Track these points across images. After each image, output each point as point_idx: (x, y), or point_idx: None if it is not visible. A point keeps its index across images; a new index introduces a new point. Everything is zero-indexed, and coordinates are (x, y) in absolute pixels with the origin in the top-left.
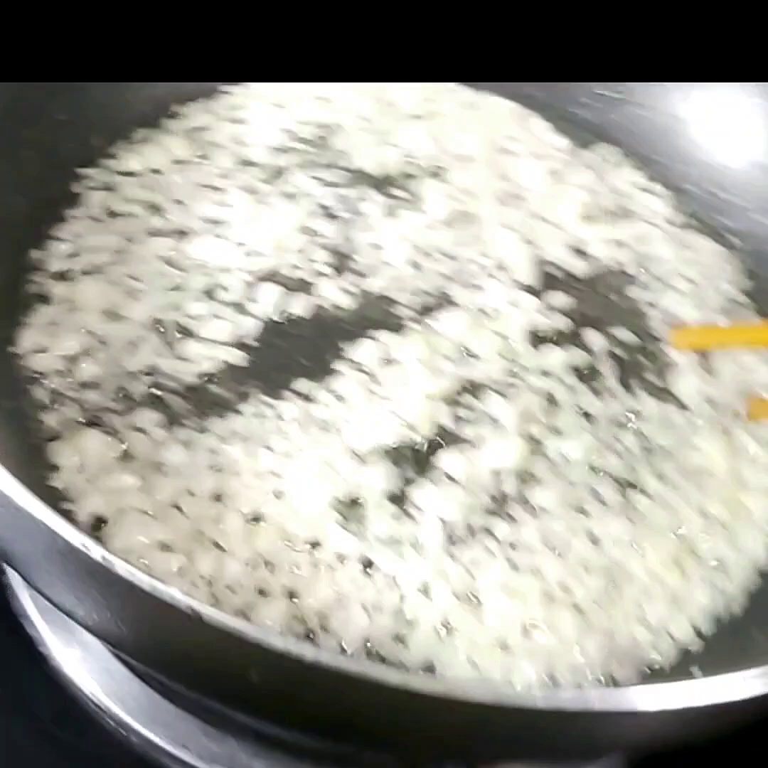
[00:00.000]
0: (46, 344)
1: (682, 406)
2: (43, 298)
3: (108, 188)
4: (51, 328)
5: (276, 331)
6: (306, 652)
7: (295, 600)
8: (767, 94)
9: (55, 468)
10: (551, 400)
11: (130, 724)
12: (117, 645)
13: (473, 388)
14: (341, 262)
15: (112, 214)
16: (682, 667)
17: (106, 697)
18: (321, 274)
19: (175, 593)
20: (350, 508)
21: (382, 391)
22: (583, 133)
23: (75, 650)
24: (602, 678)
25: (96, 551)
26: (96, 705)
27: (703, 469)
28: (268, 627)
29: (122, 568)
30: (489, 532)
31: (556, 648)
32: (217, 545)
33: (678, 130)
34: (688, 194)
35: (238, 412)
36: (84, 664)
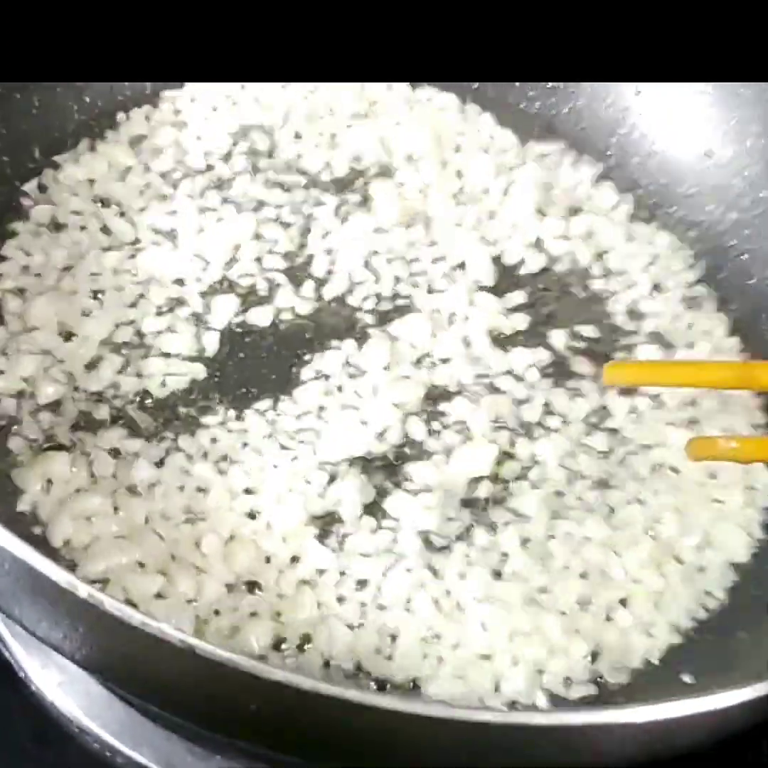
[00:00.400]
0: (2, 367)
1: (650, 401)
2: None
3: (53, 201)
4: (7, 350)
5: (236, 342)
6: (301, 681)
7: (280, 619)
8: (718, 86)
9: (22, 493)
10: (520, 402)
11: (114, 745)
12: (108, 678)
13: (441, 394)
14: (297, 269)
15: (59, 228)
16: (669, 669)
17: (89, 719)
18: (277, 282)
19: (165, 627)
20: (327, 522)
21: (350, 401)
22: (533, 127)
23: (53, 673)
24: (590, 683)
25: (82, 589)
26: (78, 727)
27: (675, 465)
28: (256, 648)
29: (110, 604)
30: (467, 539)
31: (543, 654)
32: (196, 566)
33: (630, 123)
34: (641, 187)
35: (205, 428)
36: (64, 686)
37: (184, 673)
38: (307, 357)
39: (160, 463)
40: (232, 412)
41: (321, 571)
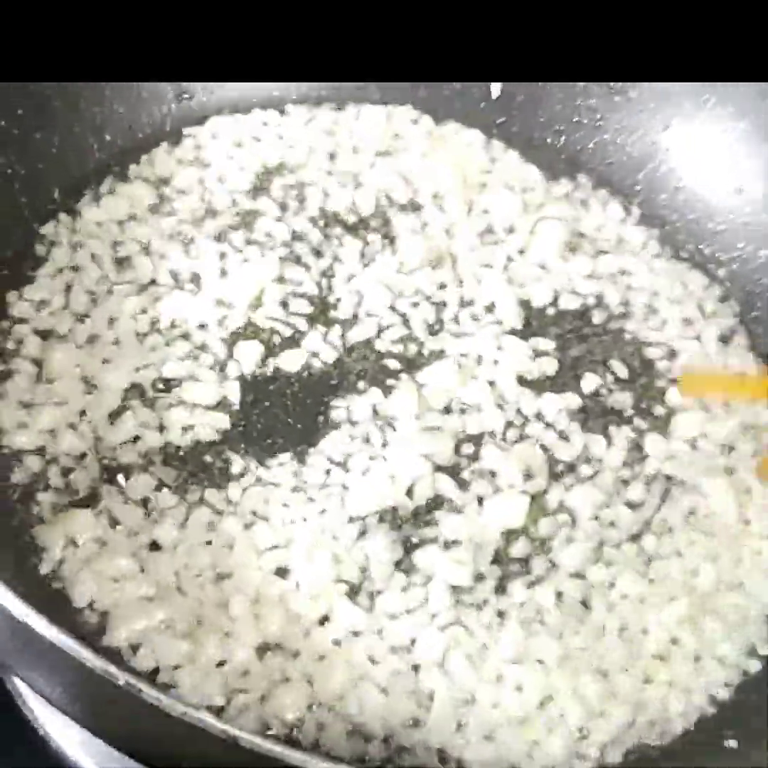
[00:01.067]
0: (25, 420)
1: (687, 446)
2: (15, 369)
3: (72, 244)
4: (28, 402)
5: (261, 390)
6: None
7: (312, 685)
8: (748, 120)
9: (45, 552)
10: (552, 449)
11: None
12: (143, 762)
13: (471, 442)
14: (322, 312)
15: (78, 271)
16: (712, 732)
17: None
18: (302, 327)
19: (206, 718)
20: (356, 579)
21: (378, 451)
22: (559, 163)
23: (74, 732)
24: (630, 747)
25: (120, 676)
26: None
27: (712, 513)
28: (289, 717)
29: (148, 694)
30: (501, 594)
31: (580, 717)
32: (224, 629)
33: (658, 158)
34: (669, 223)
35: (231, 480)
36: (85, 746)
37: (227, 764)
38: (333, 404)
39: (185, 518)
40: (257, 464)
41: (352, 632)
